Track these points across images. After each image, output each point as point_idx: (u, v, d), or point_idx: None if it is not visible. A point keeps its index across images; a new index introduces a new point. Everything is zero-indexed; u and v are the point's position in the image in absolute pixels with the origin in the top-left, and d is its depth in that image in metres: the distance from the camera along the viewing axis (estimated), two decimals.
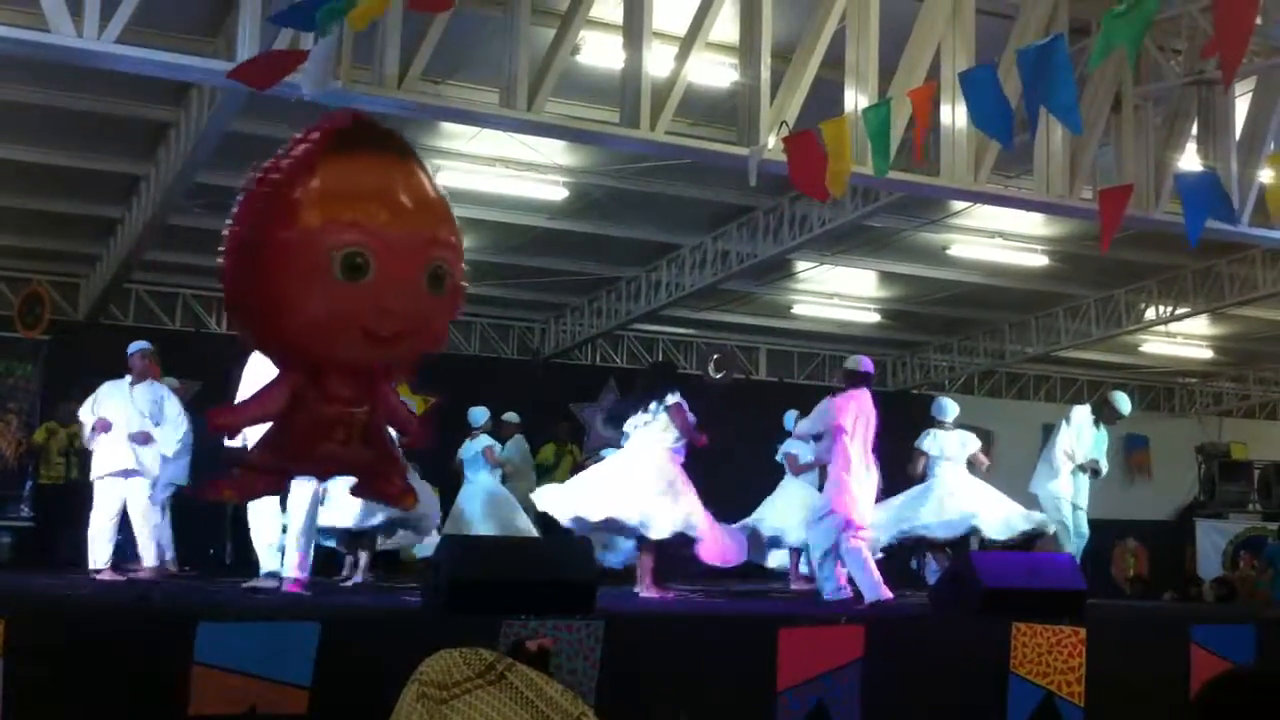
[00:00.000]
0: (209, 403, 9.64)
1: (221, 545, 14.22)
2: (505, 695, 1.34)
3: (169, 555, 11.03)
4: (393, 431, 5.07)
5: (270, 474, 4.98)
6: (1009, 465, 21.29)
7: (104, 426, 9.78)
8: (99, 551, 9.69)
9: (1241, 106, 10.06)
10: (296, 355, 4.55)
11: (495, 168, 12.76)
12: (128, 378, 10.14)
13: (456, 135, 11.90)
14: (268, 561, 8.43)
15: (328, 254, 4.29)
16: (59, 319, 15.70)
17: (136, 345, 10.35)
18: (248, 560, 13.35)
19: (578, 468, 14.37)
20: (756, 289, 17.34)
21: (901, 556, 14.87)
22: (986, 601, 7.48)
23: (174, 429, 10.19)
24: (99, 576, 9.50)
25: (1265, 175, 9.68)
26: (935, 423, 11.48)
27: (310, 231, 4.39)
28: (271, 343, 4.64)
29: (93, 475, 9.93)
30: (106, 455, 9.87)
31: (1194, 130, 10.15)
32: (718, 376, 17.97)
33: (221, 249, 4.67)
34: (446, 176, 12.81)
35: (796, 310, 18.51)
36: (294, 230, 4.42)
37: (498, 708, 1.32)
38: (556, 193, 13.44)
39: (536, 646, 4.72)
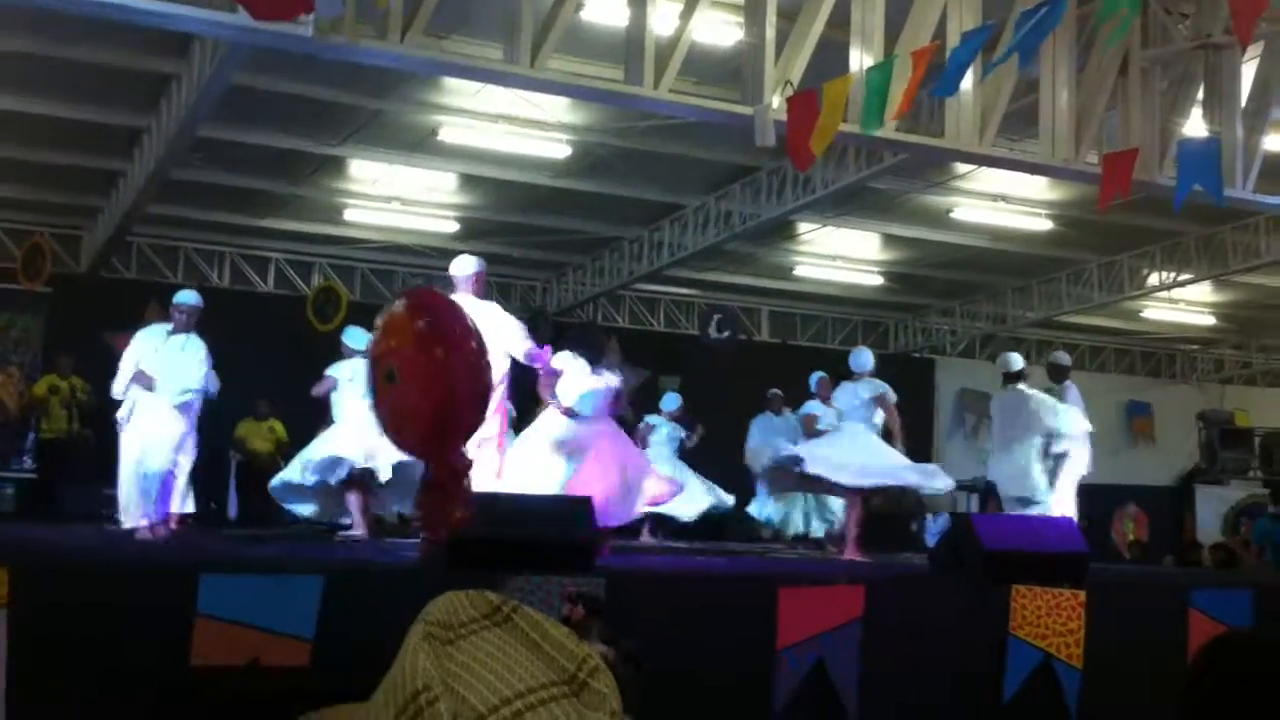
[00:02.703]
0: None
1: (224, 498, 14.30)
2: (511, 636, 1.36)
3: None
4: None
5: None
6: None
7: (146, 383, 8.89)
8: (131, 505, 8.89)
9: (1248, 71, 10.01)
10: None
11: (499, 125, 12.72)
12: (166, 325, 9.23)
13: (460, 91, 11.84)
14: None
15: None
16: (61, 271, 15.68)
17: (190, 298, 9.41)
18: (250, 513, 13.38)
19: None
20: (759, 250, 17.31)
21: (902, 519, 14.94)
22: (987, 564, 7.49)
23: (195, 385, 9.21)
24: (138, 535, 8.71)
25: (1270, 141, 9.65)
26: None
27: None
28: None
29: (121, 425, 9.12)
30: (141, 408, 9.00)
31: (1200, 95, 10.11)
32: (722, 336, 17.96)
33: None
34: (449, 133, 12.79)
35: (799, 272, 18.49)
36: None
37: (503, 648, 1.33)
38: (560, 151, 13.40)
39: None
